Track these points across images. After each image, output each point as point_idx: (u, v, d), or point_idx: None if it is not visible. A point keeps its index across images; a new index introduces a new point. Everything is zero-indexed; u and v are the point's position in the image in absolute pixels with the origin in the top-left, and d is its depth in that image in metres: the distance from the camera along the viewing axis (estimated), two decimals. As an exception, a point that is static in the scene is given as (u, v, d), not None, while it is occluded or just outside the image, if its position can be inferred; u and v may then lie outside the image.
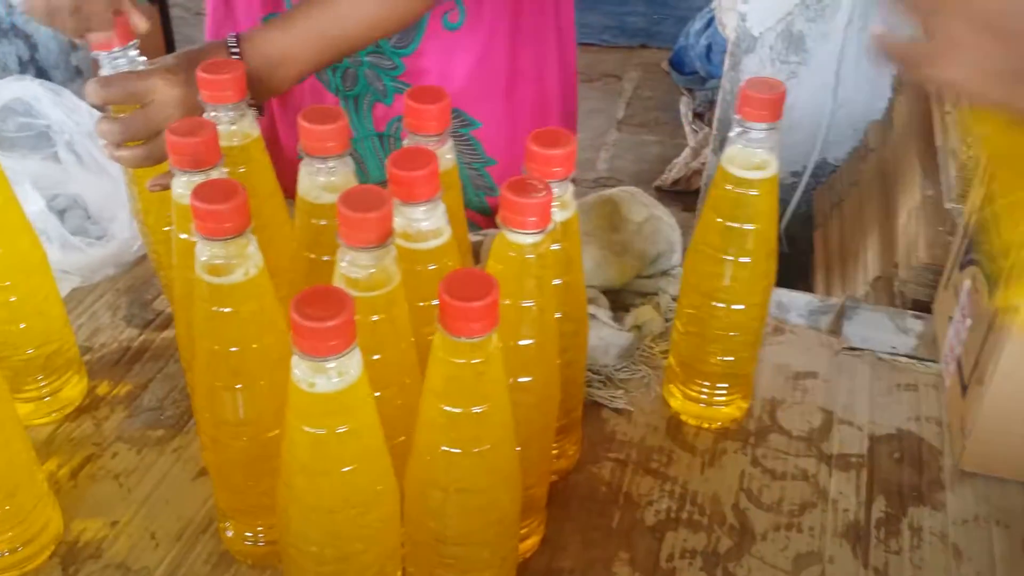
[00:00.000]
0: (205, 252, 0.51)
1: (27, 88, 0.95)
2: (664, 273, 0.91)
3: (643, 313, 0.88)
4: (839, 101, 1.56)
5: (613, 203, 0.96)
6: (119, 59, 0.73)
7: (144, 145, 0.67)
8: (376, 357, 0.51)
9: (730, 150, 0.67)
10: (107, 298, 0.89)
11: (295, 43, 0.72)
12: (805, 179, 1.66)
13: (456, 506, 0.51)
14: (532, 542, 0.66)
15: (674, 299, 0.87)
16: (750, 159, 0.66)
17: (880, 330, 0.90)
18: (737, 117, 0.65)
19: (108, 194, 0.93)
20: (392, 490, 0.51)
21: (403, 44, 0.91)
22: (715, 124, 1.68)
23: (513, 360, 0.55)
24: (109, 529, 0.67)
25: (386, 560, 0.53)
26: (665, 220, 0.92)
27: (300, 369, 0.44)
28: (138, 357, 0.82)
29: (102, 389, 0.79)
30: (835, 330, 0.90)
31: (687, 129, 2.70)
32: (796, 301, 0.93)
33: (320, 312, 0.42)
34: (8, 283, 0.67)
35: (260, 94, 0.70)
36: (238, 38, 0.70)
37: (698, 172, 2.41)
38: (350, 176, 0.60)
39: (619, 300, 0.91)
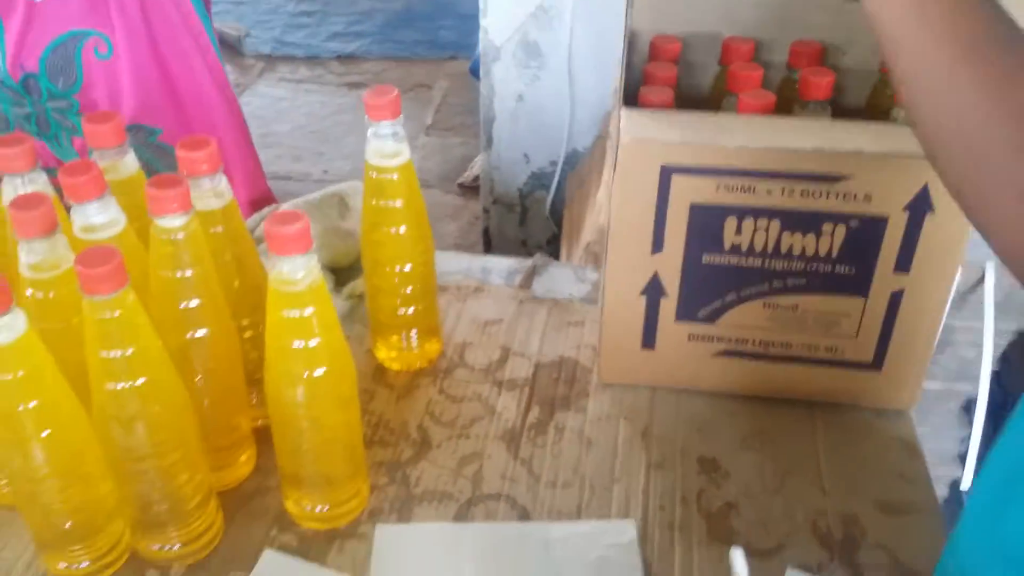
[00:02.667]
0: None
1: None
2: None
3: (359, 285, 1.02)
4: (575, 97, 1.74)
5: (340, 196, 1.10)
6: None
7: None
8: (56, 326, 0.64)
9: (370, 146, 0.81)
10: None
11: None
12: (560, 167, 1.83)
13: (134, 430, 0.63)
14: (247, 467, 0.79)
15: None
16: (384, 149, 0.80)
17: (562, 282, 1.06)
18: (368, 119, 0.79)
19: None
20: (80, 424, 0.63)
21: (69, 84, 1.03)
22: (482, 124, 1.84)
23: (182, 318, 0.68)
24: None
25: (91, 482, 0.66)
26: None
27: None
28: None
29: None
30: (526, 285, 1.06)
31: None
32: (499, 264, 1.08)
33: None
34: None
35: None
36: None
37: (495, 168, 2.58)
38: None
39: (345, 277, 1.04)
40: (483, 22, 1.70)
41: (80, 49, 1.02)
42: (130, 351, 0.60)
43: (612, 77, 1.59)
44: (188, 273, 0.67)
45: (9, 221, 0.61)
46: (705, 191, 0.77)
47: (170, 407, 0.64)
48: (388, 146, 0.80)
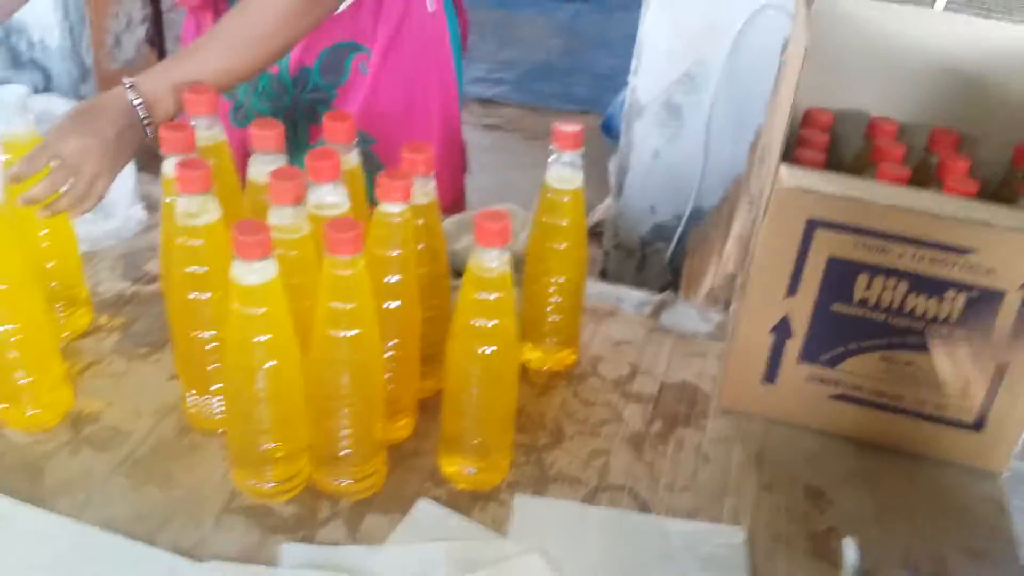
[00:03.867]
0: (182, 204, 0.75)
1: (51, 102, 1.19)
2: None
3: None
4: (708, 160, 1.83)
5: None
6: None
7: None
8: (292, 280, 0.75)
9: (551, 170, 0.91)
10: (108, 261, 1.12)
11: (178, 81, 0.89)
12: (684, 221, 1.92)
13: (340, 373, 0.74)
14: (406, 431, 0.90)
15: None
16: (563, 175, 0.91)
17: (688, 318, 1.14)
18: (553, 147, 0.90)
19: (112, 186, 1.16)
20: (295, 364, 0.74)
21: (335, 80, 1.18)
22: (615, 173, 1.94)
23: (384, 290, 0.79)
24: (106, 406, 0.90)
25: (295, 415, 0.77)
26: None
27: (236, 268, 0.68)
28: (130, 301, 1.06)
29: (103, 320, 1.01)
30: (655, 315, 1.15)
31: (612, 182, 2.98)
32: (631, 295, 1.18)
33: (250, 231, 0.66)
34: (46, 231, 0.91)
35: (157, 117, 0.88)
36: (133, 79, 0.88)
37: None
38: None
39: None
40: (632, 80, 1.81)
41: (351, 58, 1.17)
42: (352, 306, 0.71)
43: (746, 143, 1.68)
44: (395, 252, 0.79)
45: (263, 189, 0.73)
46: (844, 246, 0.85)
47: (371, 359, 0.75)
48: (567, 172, 0.90)
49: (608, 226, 2.05)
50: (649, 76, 1.79)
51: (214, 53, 0.91)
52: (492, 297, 0.74)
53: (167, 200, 0.82)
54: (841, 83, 0.99)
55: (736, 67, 1.73)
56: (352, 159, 0.87)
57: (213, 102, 0.85)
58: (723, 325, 1.13)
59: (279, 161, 0.83)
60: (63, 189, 0.82)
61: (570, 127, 0.88)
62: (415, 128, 1.23)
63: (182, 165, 0.73)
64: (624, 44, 4.20)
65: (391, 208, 0.77)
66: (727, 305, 1.35)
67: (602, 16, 4.69)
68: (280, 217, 0.75)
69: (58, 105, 1.17)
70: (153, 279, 1.09)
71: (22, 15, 2.24)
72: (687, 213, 1.91)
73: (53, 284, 0.94)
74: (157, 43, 2.59)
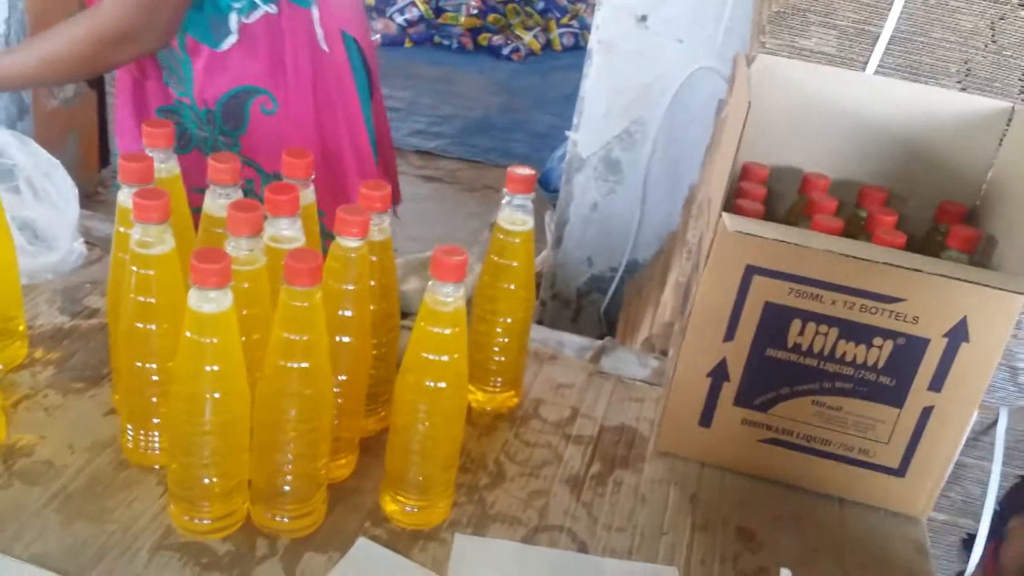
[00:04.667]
0: (138, 233, 0.75)
1: (1, 135, 1.18)
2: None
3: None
4: (645, 214, 1.89)
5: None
6: None
7: None
8: (244, 312, 0.76)
9: (503, 212, 0.94)
10: (46, 295, 1.10)
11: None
12: (619, 273, 1.97)
13: (290, 406, 0.74)
14: (347, 469, 0.90)
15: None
16: (514, 217, 0.93)
17: (627, 363, 1.17)
18: (506, 191, 0.92)
19: (53, 220, 1.15)
20: (243, 396, 0.74)
21: (236, 127, 1.20)
22: (554, 223, 1.98)
23: (335, 322, 0.80)
24: (39, 440, 0.88)
25: (238, 448, 0.76)
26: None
27: (193, 297, 0.68)
28: (68, 335, 1.04)
29: (39, 354, 0.99)
30: (595, 360, 1.17)
31: (548, 236, 3.03)
32: (572, 340, 1.20)
33: (209, 259, 0.67)
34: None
35: None
36: None
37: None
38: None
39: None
40: (572, 135, 1.86)
41: (250, 102, 1.18)
42: (306, 337, 0.72)
43: (679, 199, 1.74)
44: (350, 287, 0.80)
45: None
46: (780, 293, 0.88)
47: (321, 392, 0.75)
48: (519, 215, 0.93)
49: (545, 277, 2.09)
50: (590, 132, 1.84)
51: (19, 58, 1.09)
52: (447, 332, 0.75)
53: (120, 229, 0.82)
54: (776, 140, 1.05)
55: (672, 124, 1.80)
56: (308, 195, 0.88)
57: (170, 136, 0.86)
58: (661, 370, 1.16)
59: (235, 194, 0.84)
60: None
61: (523, 171, 0.91)
62: (330, 165, 1.25)
63: (141, 195, 0.73)
64: (560, 103, 4.34)
65: (349, 243, 0.78)
66: (664, 352, 1.39)
67: (539, 77, 4.81)
68: (237, 248, 0.75)
69: (4, 138, 1.15)
70: (92, 314, 1.08)
71: (-43, 47, 2.20)
72: (623, 265, 1.96)
73: (-10, 318, 0.93)
74: (96, 84, 2.57)
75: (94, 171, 2.64)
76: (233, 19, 1.14)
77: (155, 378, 0.81)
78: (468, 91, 4.50)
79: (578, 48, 5.22)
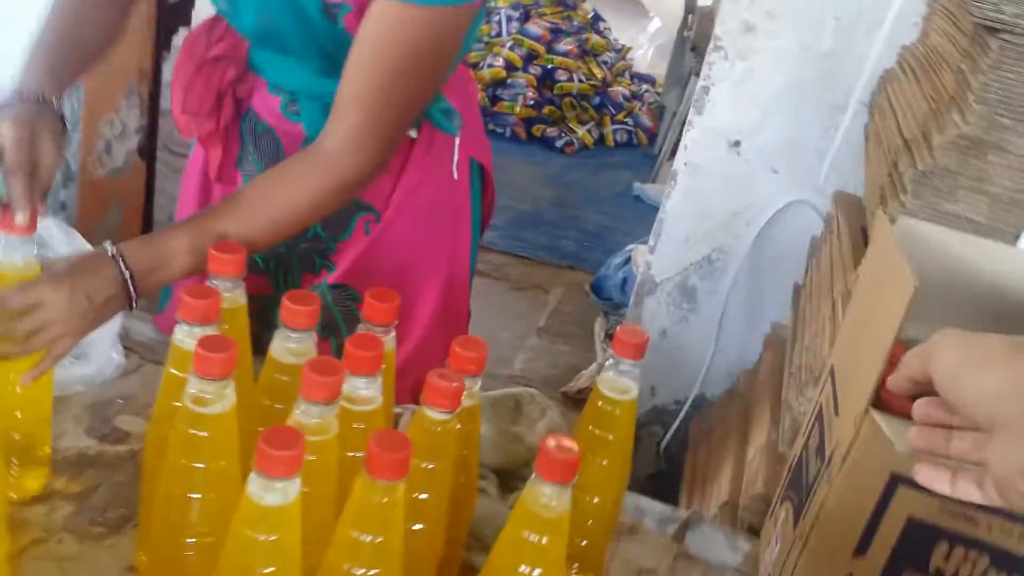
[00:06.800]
0: (195, 387, 0.64)
1: (44, 226, 1.08)
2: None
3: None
4: (719, 347, 1.77)
5: (515, 399, 1.11)
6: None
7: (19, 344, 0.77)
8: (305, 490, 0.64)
9: (604, 375, 0.82)
10: (74, 411, 0.99)
11: (170, 251, 0.85)
12: (685, 408, 1.84)
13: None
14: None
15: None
16: (618, 384, 0.82)
17: (716, 544, 1.04)
18: (610, 352, 0.81)
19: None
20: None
21: (337, 235, 1.11)
22: (601, 333, 1.87)
23: (411, 508, 0.68)
24: (47, 603, 0.76)
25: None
26: (555, 420, 1.07)
27: (255, 484, 0.57)
28: (92, 463, 0.92)
29: (59, 484, 0.88)
30: (679, 537, 1.04)
31: (597, 346, 2.91)
32: (652, 508, 1.07)
33: (280, 443, 0.56)
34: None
35: (146, 288, 0.84)
36: (117, 246, 0.84)
37: (601, 385, 2.60)
38: (312, 347, 0.74)
39: (508, 481, 1.04)
40: (648, 257, 1.76)
41: (357, 217, 1.11)
42: (380, 539, 0.60)
43: (760, 334, 1.62)
44: (430, 466, 0.68)
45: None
46: (928, 509, 0.76)
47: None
48: (623, 382, 0.81)
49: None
50: (667, 255, 1.75)
51: (234, 222, 0.89)
52: (544, 540, 0.63)
53: (172, 371, 0.71)
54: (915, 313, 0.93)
55: (758, 256, 1.70)
56: (389, 342, 0.77)
57: (241, 263, 0.76)
58: (754, 557, 1.02)
59: (308, 340, 0.74)
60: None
61: (635, 336, 0.79)
62: (406, 292, 1.15)
63: (205, 345, 0.62)
64: (611, 203, 4.26)
65: (437, 415, 0.67)
66: (752, 529, 1.25)
67: (590, 172, 4.76)
68: (307, 415, 0.64)
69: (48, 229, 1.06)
70: (121, 438, 0.97)
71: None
72: (689, 399, 1.84)
73: (16, 436, 0.82)
74: (147, 154, 2.51)
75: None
76: None
77: (191, 553, 0.69)
78: (519, 181, 4.44)
79: (631, 145, 5.19)
